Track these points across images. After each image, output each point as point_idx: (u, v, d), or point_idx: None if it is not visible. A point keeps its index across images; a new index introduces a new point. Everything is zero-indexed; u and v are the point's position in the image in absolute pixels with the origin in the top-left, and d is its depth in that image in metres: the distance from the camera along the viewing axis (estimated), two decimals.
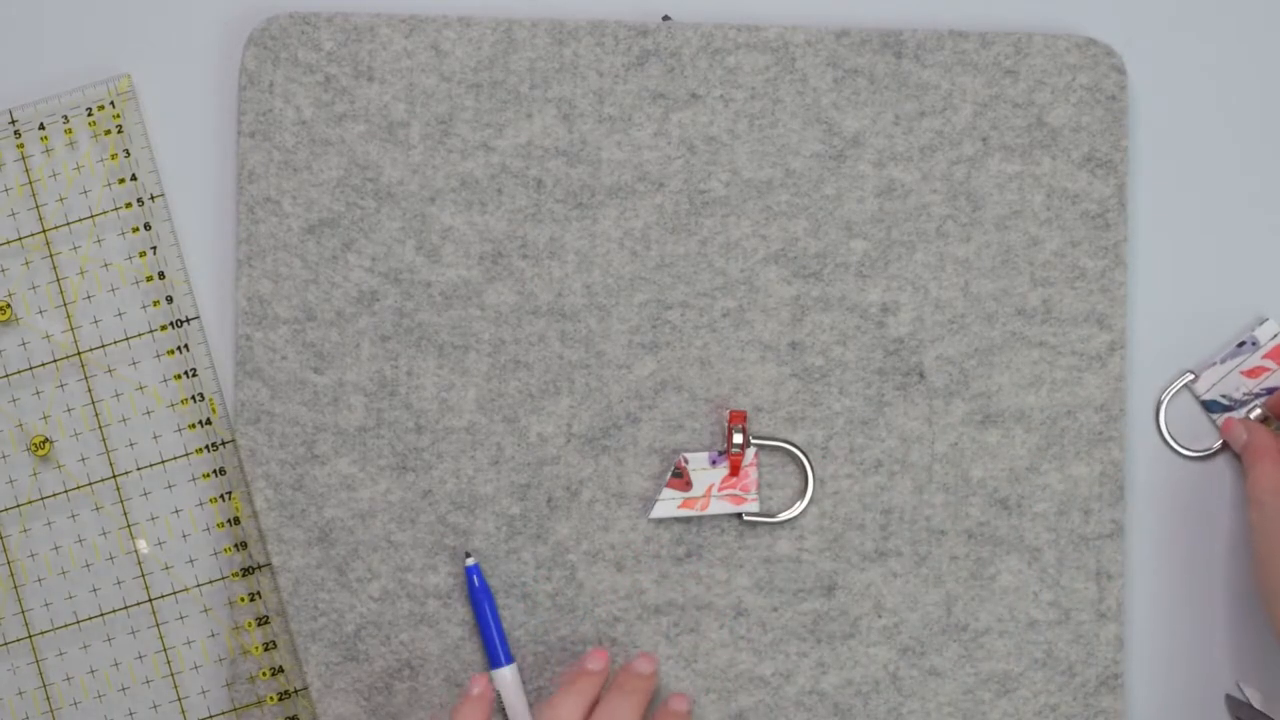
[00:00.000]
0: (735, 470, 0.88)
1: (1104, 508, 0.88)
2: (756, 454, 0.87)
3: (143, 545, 0.88)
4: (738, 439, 0.86)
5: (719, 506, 0.87)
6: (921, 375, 0.89)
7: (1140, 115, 0.91)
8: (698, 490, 0.87)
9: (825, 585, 0.88)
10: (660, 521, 0.88)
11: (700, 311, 0.89)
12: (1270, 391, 0.89)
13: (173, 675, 0.88)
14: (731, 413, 0.86)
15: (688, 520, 0.88)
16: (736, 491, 0.87)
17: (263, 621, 0.88)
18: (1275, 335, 0.89)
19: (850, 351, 0.89)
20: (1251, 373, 0.90)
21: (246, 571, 0.88)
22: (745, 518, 0.88)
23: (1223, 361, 0.90)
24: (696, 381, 0.89)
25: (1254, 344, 0.89)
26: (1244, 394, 0.89)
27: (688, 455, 0.87)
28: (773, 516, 0.87)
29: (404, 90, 0.89)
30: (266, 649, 0.87)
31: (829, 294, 0.89)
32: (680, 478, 0.87)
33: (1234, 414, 0.88)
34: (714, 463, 0.87)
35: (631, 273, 0.89)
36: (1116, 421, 0.89)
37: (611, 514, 0.88)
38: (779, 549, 0.88)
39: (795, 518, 0.88)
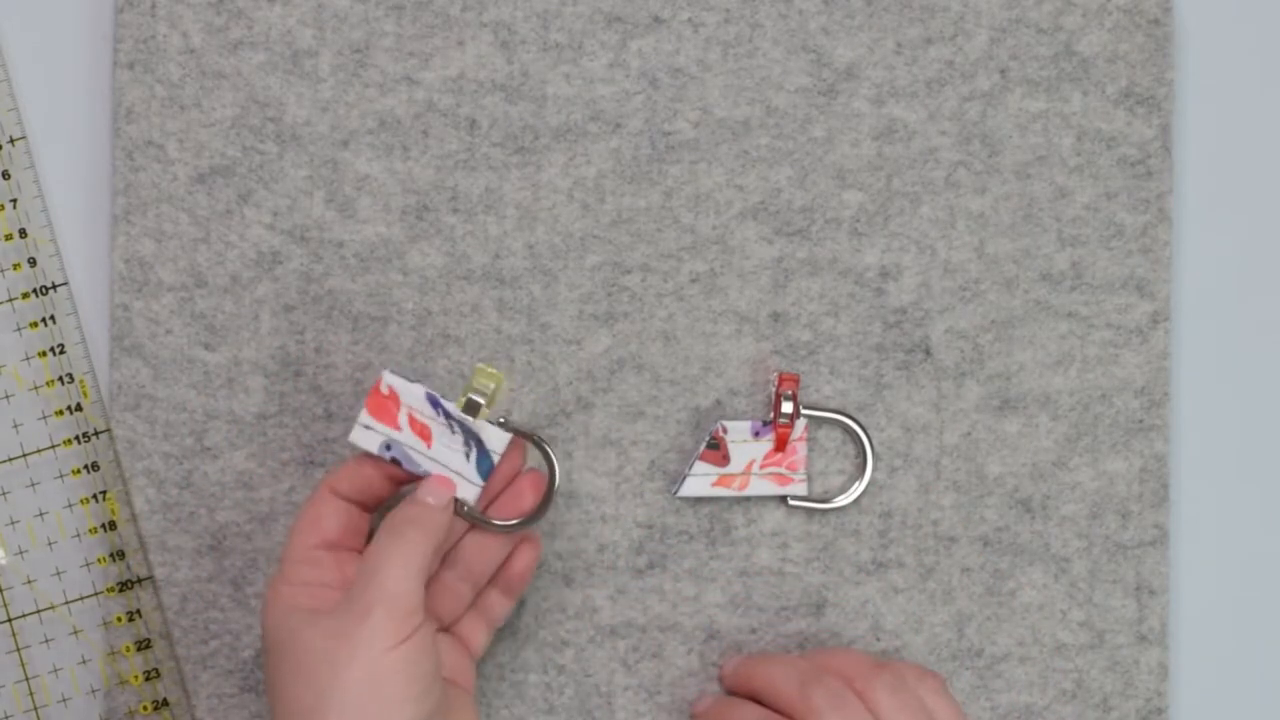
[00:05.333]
0: (781, 445, 0.87)
1: (1145, 510, 0.89)
2: (806, 427, 0.87)
3: (0, 555, 0.88)
4: (787, 408, 0.86)
5: (760, 487, 0.87)
6: (928, 352, 0.88)
7: (1188, 43, 0.92)
8: (736, 466, 0.87)
9: (813, 602, 0.88)
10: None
11: (664, 276, 0.89)
12: None
13: (36, 710, 0.88)
14: (781, 375, 0.87)
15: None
16: (782, 470, 0.87)
17: (144, 646, 0.87)
18: None
19: (843, 324, 0.89)
20: None
21: (124, 586, 0.88)
22: (790, 502, 0.88)
23: None
24: (659, 360, 0.88)
25: None
26: None
27: (726, 424, 0.87)
28: (825, 502, 0.87)
29: (311, 12, 0.89)
30: (148, 678, 0.87)
31: (817, 255, 0.89)
32: (717, 449, 0.87)
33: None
34: (757, 434, 0.87)
35: (582, 230, 0.88)
36: (1160, 407, 0.89)
37: (558, 517, 0.88)
38: (758, 559, 0.88)
39: (845, 506, 0.88)
